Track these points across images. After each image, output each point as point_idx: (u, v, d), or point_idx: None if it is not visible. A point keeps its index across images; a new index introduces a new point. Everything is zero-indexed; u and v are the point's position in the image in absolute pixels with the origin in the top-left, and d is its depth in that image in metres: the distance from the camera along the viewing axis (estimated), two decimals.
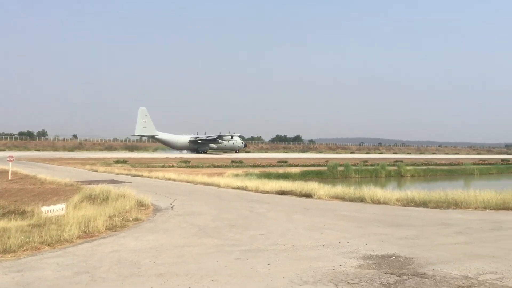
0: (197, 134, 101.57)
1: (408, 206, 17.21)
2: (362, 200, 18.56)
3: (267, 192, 21.86)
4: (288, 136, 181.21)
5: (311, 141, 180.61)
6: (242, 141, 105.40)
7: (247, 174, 35.35)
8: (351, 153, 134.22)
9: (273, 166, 50.55)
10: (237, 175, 34.79)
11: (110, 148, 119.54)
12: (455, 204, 16.86)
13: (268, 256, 8.95)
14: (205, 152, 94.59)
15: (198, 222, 12.95)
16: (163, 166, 44.60)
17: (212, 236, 10.93)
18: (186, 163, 49.67)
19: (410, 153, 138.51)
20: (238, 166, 48.30)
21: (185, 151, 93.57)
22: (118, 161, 50.40)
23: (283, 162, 55.40)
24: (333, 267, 8.14)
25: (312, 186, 21.82)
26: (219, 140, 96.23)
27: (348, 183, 32.14)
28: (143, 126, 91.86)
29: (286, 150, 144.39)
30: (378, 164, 50.79)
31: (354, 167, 46.99)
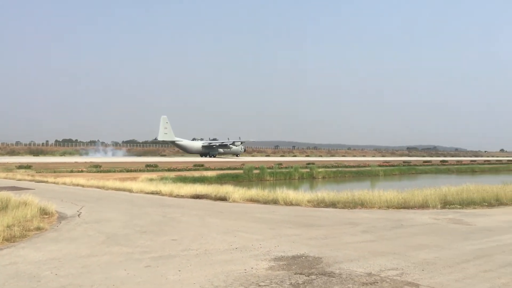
0: (209, 139, 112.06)
1: (319, 207, 17.85)
2: (275, 202, 18.92)
3: (182, 197, 21.53)
4: (204, 140, 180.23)
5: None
6: (242, 147, 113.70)
7: (162, 178, 34.61)
8: (266, 156, 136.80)
9: (189, 169, 50.06)
10: (151, 179, 33.95)
11: (12, 153, 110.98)
12: (362, 204, 17.78)
13: (180, 262, 8.75)
14: (214, 156, 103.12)
15: (106, 230, 12.36)
16: (71, 171, 42.23)
17: (121, 244, 10.49)
18: (96, 168, 47.49)
19: (321, 156, 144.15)
20: (153, 171, 47.15)
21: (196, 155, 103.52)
22: (21, 166, 46.84)
23: (199, 166, 55.04)
24: (245, 270, 8.16)
25: (227, 189, 21.85)
26: (230, 146, 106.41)
27: (263, 185, 32.67)
28: (164, 133, 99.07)
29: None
30: (292, 167, 52.26)
31: (269, 170, 47.95)
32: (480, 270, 8.23)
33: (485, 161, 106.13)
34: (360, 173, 55.44)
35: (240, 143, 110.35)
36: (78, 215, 15.22)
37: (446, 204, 18.17)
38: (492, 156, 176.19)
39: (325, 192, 19.81)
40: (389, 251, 9.78)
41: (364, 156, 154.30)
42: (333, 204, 18.02)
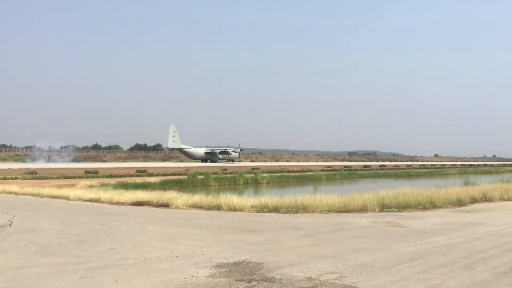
0: (212, 147, 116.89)
1: (262, 212, 17.92)
2: (219, 208, 18.80)
3: (123, 204, 20.92)
4: (148, 145, 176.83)
5: (172, 150, 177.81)
6: (238, 153, 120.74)
7: (102, 185, 33.46)
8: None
9: (131, 176, 48.76)
10: (91, 186, 32.75)
11: None
12: (304, 209, 18.03)
13: (117, 272, 8.44)
14: (215, 161, 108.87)
15: (39, 240, 11.73)
16: (4, 178, 39.89)
17: (54, 254, 9.97)
18: (32, 174, 45.22)
19: (266, 161, 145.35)
20: (93, 177, 45.49)
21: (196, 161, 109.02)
22: None
23: (142, 172, 53.74)
24: (185, 278, 7.99)
25: (170, 195, 21.47)
26: (230, 152, 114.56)
27: (208, 191, 32.46)
28: (173, 141, 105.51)
29: (146, 159, 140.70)
30: (236, 172, 52.25)
31: (214, 175, 47.69)
32: (415, 271, 8.53)
33: (420, 165, 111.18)
34: (304, 178, 56.32)
35: (239, 150, 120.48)
36: (9, 224, 14.37)
37: (384, 207, 18.81)
38: (427, 161, 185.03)
39: (268, 197, 19.94)
40: (329, 254, 9.95)
41: (307, 161, 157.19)
42: (276, 209, 18.16)
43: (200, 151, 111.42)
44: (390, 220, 15.79)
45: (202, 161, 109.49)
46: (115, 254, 10.02)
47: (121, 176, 47.17)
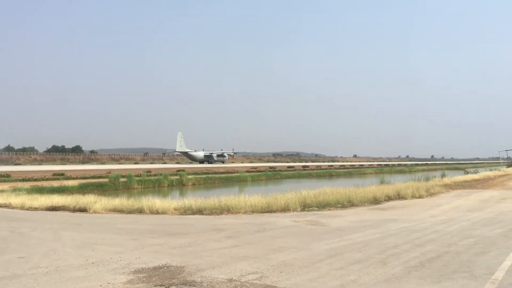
0: (208, 150, 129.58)
1: (185, 214, 17.66)
2: (140, 211, 18.27)
3: (36, 209, 19.67)
4: (66, 147, 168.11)
5: (92, 152, 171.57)
6: (227, 156, 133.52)
7: (15, 189, 31.24)
8: (135, 163, 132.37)
9: (48, 179, 46.09)
10: (1, 191, 30.43)
11: None
12: (228, 210, 18.02)
13: (26, 282, 7.87)
14: (212, 163, 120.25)
15: None
16: None
17: None
18: None
19: (192, 163, 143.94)
20: (4, 181, 42.43)
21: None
22: None
23: (59, 175, 50.98)
24: (101, 286, 7.63)
25: (88, 199, 20.54)
26: (225, 155, 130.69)
27: (131, 194, 31.46)
28: (180, 145, 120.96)
29: (64, 161, 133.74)
30: (161, 174, 51.17)
31: (137, 178, 46.26)
32: (332, 268, 8.80)
33: (340, 166, 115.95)
34: (229, 179, 56.42)
35: (233, 153, 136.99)
36: None
37: (306, 206, 19.31)
38: (347, 161, 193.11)
39: (192, 199, 19.70)
40: (251, 255, 9.98)
41: (233, 162, 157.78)
42: (200, 211, 17.98)
43: (200, 154, 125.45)
44: (311, 219, 16.23)
45: (201, 163, 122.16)
46: (24, 263, 9.35)
47: (36, 180, 44.43)
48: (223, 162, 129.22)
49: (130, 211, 18.40)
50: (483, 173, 59.02)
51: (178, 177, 51.06)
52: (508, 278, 8.00)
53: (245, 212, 17.90)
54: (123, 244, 11.38)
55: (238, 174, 60.26)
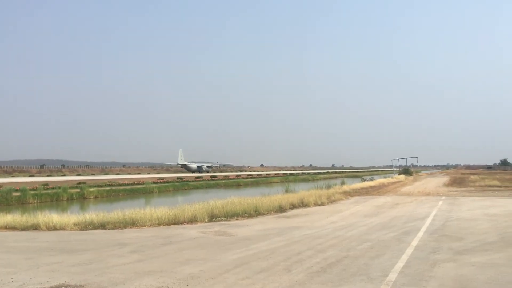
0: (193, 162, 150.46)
1: (86, 230, 16.77)
2: (36, 227, 17.01)
3: None
4: None
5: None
6: (213, 167, 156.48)
7: None
8: (30, 176, 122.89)
9: None
10: None
11: None
12: (132, 223, 17.43)
13: None
14: (201, 173, 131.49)
15: None
16: None
17: None
18: None
19: (94, 174, 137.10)
20: None
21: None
22: None
23: None
24: None
25: None
26: (214, 166, 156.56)
27: (25, 209, 29.21)
28: (180, 159, 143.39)
29: None
30: (60, 187, 48.10)
31: (32, 192, 43.03)
32: (239, 278, 8.87)
33: (248, 175, 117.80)
34: (135, 191, 54.61)
35: (219, 165, 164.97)
36: None
37: (213, 217, 19.31)
38: (254, 171, 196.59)
39: (94, 213, 18.77)
40: (157, 269, 9.73)
41: (139, 173, 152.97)
42: (102, 226, 17.17)
43: (194, 165, 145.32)
44: (219, 229, 16.26)
45: (193, 173, 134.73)
46: None
47: None
48: (208, 172, 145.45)
49: (24, 228, 17.05)
50: (378, 180, 63.34)
51: (78, 190, 48.36)
52: (401, 279, 8.64)
53: (151, 225, 17.44)
54: (15, 264, 10.50)
55: (144, 186, 58.60)
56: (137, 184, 63.08)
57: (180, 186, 66.15)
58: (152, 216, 18.14)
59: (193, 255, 11.31)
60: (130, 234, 15.48)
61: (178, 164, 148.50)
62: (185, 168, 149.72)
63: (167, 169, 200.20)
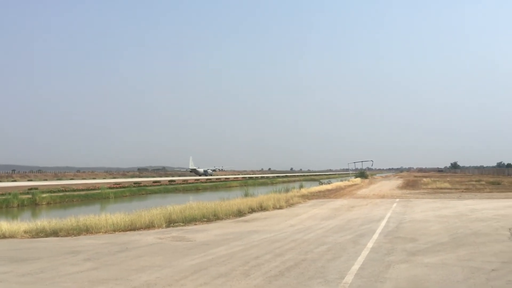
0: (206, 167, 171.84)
1: (38, 237, 16.12)
2: None
3: None
4: None
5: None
6: (217, 170, 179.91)
7: None
8: None
9: None
10: None
11: None
12: (87, 230, 16.90)
13: None
14: (206, 175, 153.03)
15: None
16: None
17: None
18: None
19: (47, 180, 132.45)
20: None
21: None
22: None
23: None
24: None
25: None
26: (217, 169, 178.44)
27: None
28: (191, 165, 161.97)
29: None
30: (9, 193, 46.12)
31: None
32: (197, 284, 8.77)
33: (207, 179, 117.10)
34: (90, 197, 53.05)
35: (221, 168, 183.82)
36: None
37: (171, 222, 19.03)
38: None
39: (46, 220, 18.11)
40: (112, 277, 9.48)
41: (94, 178, 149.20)
42: (55, 233, 16.56)
43: (201, 170, 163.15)
44: (176, 234, 16.04)
45: (200, 176, 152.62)
46: None
47: None
48: (211, 175, 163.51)
49: None
50: (335, 184, 64.38)
51: (30, 196, 46.50)
52: (357, 281, 8.79)
53: (106, 232, 16.98)
54: None
55: (99, 191, 57.07)
56: (92, 189, 61.35)
57: (137, 191, 64.90)
58: (108, 222, 17.67)
59: (150, 262, 11.09)
60: (84, 241, 15.00)
61: (189, 169, 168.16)
62: (194, 172, 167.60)
63: (124, 173, 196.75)
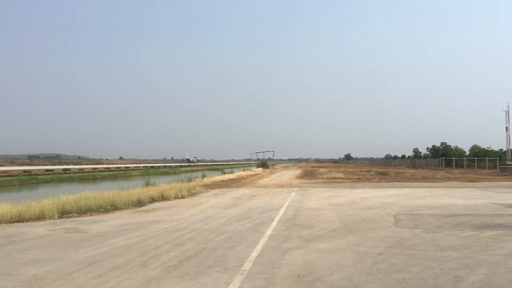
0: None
1: None
2: None
3: None
4: None
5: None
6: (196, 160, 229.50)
7: None
8: None
9: None
10: None
11: None
12: None
13: None
14: (194, 163, 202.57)
15: None
16: None
17: None
18: None
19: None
20: None
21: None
22: None
23: None
24: None
25: None
26: (201, 160, 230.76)
27: None
28: (187, 156, 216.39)
29: None
30: None
31: None
32: (91, 277, 8.38)
33: (105, 168, 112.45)
34: None
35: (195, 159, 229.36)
36: None
37: (64, 213, 17.98)
38: (113, 164, 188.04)
39: None
40: None
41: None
42: None
43: (191, 159, 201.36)
44: (70, 226, 15.19)
45: (189, 163, 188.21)
46: None
47: None
48: (194, 162, 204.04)
49: None
50: (237, 173, 65.41)
51: None
52: (255, 268, 9.01)
53: None
54: None
55: None
56: None
57: (27, 180, 60.48)
58: None
59: (39, 255, 10.39)
60: None
61: (184, 158, 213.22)
62: (187, 161, 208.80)
63: (12, 161, 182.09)
